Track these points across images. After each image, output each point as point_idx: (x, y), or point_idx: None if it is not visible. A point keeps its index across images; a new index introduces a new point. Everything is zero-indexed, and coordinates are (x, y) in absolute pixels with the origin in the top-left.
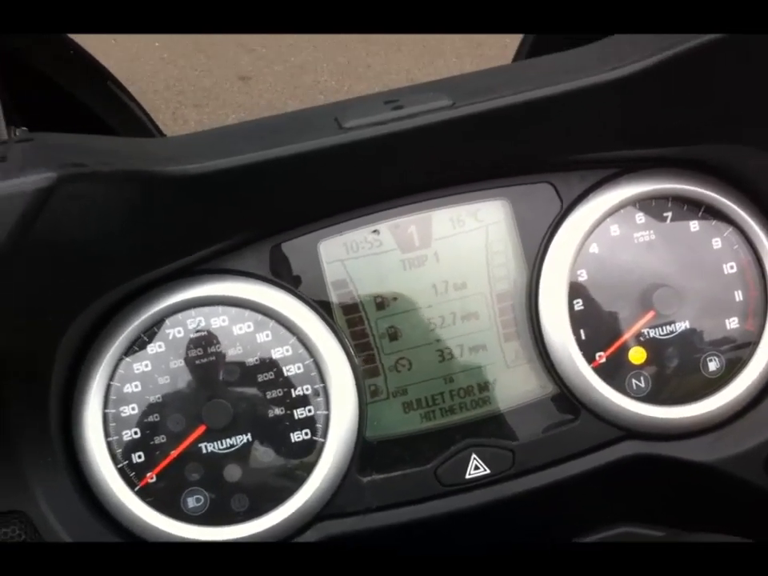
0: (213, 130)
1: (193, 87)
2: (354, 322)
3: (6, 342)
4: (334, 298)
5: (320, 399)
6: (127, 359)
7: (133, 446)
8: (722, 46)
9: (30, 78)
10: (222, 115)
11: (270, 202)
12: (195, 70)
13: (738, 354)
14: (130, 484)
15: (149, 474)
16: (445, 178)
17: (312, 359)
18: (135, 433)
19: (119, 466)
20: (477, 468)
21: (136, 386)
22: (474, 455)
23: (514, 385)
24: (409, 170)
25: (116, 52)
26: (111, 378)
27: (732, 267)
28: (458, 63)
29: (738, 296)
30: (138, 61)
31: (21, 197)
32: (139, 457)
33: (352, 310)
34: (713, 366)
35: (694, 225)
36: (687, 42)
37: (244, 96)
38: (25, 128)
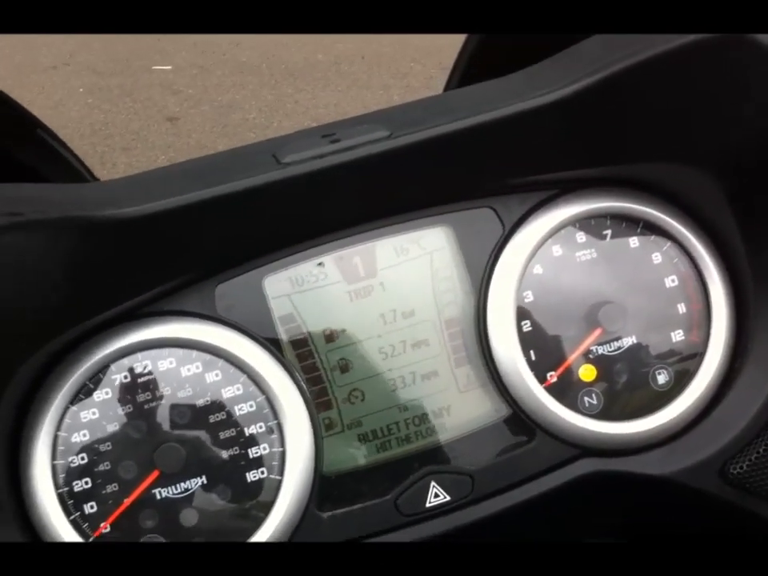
0: (150, 172)
1: (120, 131)
2: (304, 356)
3: None
4: (282, 333)
5: (274, 436)
6: (73, 408)
7: (84, 496)
8: (646, 70)
9: None
10: (152, 157)
11: (212, 240)
12: (122, 113)
13: (685, 365)
14: (84, 535)
15: (103, 524)
16: (387, 208)
17: (264, 396)
18: (86, 483)
19: (71, 517)
20: (437, 496)
21: (84, 435)
22: (433, 483)
23: (469, 409)
24: (350, 202)
25: (40, 99)
26: (58, 428)
27: (673, 281)
28: (384, 95)
29: (682, 308)
30: (62, 107)
31: None
32: (92, 507)
33: (301, 344)
34: (661, 379)
35: (634, 241)
36: (611, 67)
37: (172, 137)
38: None
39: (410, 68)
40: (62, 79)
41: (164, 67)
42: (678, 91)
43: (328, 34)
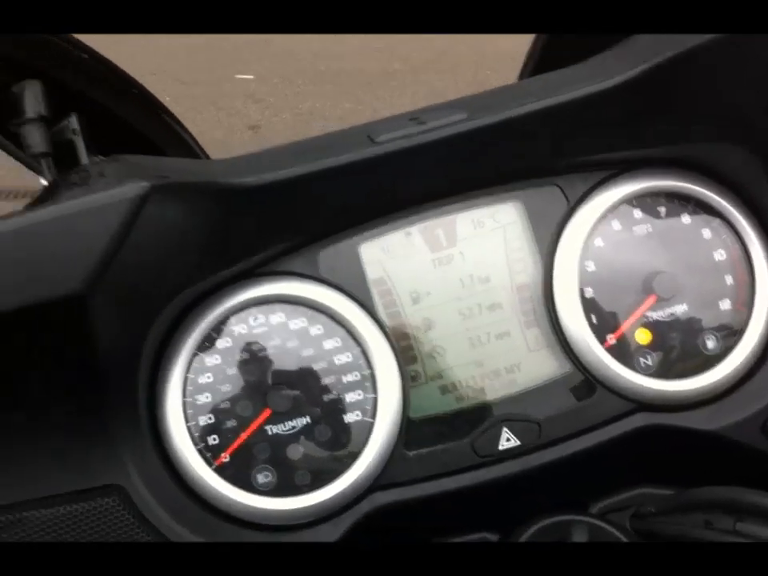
0: (262, 151)
1: (204, 139)
2: (393, 315)
3: (105, 335)
4: (375, 294)
5: (368, 384)
6: (200, 354)
7: (208, 429)
8: (694, 58)
9: (98, 113)
10: None
11: (317, 209)
12: (206, 121)
13: (731, 331)
14: (208, 463)
15: (223, 455)
16: (465, 184)
17: (359, 348)
18: (210, 418)
19: (198, 447)
20: (508, 440)
21: (209, 377)
22: (505, 429)
23: (537, 366)
24: (434, 177)
25: None
26: (188, 370)
27: (721, 255)
28: None
29: (729, 280)
30: None
31: (123, 203)
32: (214, 439)
33: (391, 304)
34: (710, 344)
35: (686, 218)
36: (667, 53)
37: (255, 145)
38: (100, 155)
39: (486, 76)
40: (148, 88)
41: (246, 76)
42: (726, 77)
43: (404, 44)
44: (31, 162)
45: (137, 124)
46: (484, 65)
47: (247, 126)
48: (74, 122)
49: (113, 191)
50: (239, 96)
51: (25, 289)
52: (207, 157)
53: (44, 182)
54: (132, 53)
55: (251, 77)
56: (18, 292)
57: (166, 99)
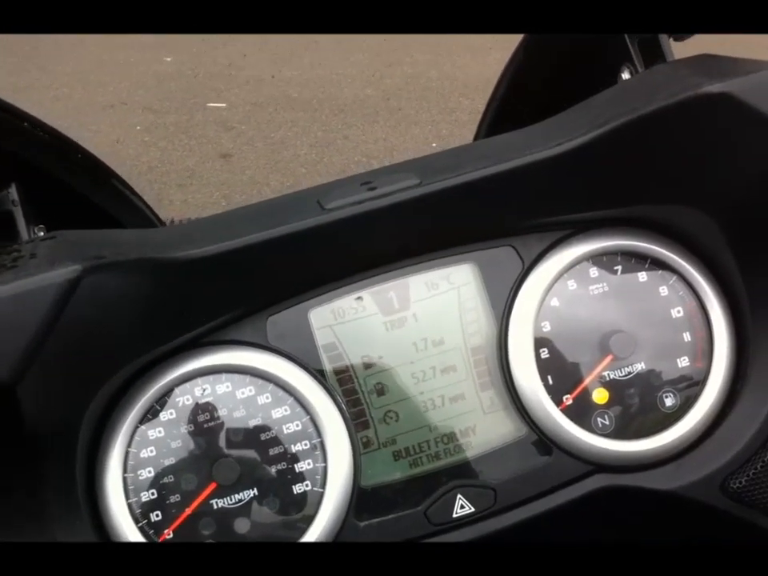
0: (209, 218)
1: (176, 167)
2: (344, 380)
3: (38, 417)
4: (325, 360)
5: (317, 453)
6: (142, 427)
7: (150, 506)
8: (644, 124)
9: (42, 181)
10: (207, 194)
11: (264, 277)
12: (177, 150)
13: (690, 389)
14: (150, 541)
15: (166, 531)
16: (418, 247)
17: (308, 417)
18: (152, 494)
19: (139, 525)
20: (462, 507)
21: (151, 451)
22: (459, 495)
23: (492, 429)
24: (386, 242)
25: (99, 138)
26: (129, 445)
27: (679, 311)
28: (433, 129)
29: (687, 337)
30: (120, 145)
31: (53, 288)
32: (157, 516)
33: (342, 370)
34: (669, 401)
35: (642, 276)
36: (614, 121)
37: (226, 174)
38: (42, 225)
39: (459, 103)
40: (119, 118)
41: (218, 105)
42: (675, 142)
43: (376, 69)
44: None
45: (85, 191)
46: (456, 91)
47: (219, 155)
48: (13, 192)
49: (42, 276)
50: (211, 124)
51: None
52: (160, 220)
53: None
54: (102, 81)
55: (223, 105)
56: None
57: (137, 129)
